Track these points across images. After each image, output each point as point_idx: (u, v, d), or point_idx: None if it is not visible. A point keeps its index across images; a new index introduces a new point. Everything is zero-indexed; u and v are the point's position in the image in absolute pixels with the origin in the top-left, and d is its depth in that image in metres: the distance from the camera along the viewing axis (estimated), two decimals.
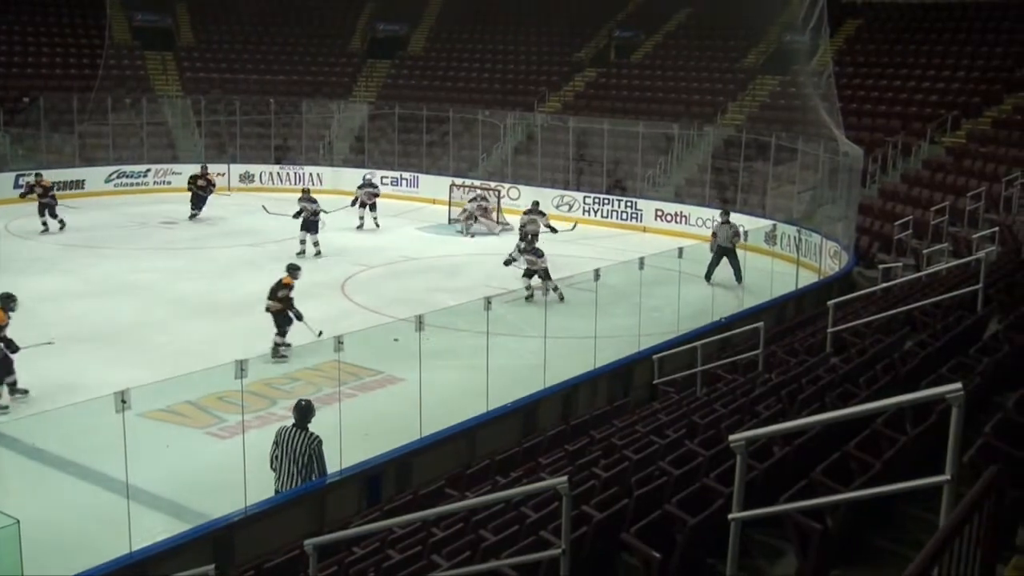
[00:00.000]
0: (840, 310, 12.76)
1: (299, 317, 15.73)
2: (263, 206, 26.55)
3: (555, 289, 19.04)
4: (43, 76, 35.07)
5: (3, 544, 7.25)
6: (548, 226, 23.70)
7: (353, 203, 26.93)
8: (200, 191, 27.80)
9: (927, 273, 16.11)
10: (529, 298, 19.53)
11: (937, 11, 32.39)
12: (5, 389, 13.31)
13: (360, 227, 26.65)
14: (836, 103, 25.78)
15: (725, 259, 21.01)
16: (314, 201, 23.58)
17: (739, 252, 21.02)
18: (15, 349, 13.34)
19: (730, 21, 35.25)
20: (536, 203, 24.78)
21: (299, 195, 24.15)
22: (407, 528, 7.84)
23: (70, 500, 10.79)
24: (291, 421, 9.87)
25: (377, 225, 26.81)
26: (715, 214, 26.31)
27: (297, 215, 23.47)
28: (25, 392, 13.51)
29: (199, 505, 10.21)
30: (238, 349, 12.77)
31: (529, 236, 22.47)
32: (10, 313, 13.52)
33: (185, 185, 28.44)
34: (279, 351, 15.61)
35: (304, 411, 9.81)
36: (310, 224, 23.30)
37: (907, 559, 4.39)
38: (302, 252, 22.83)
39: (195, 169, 28.95)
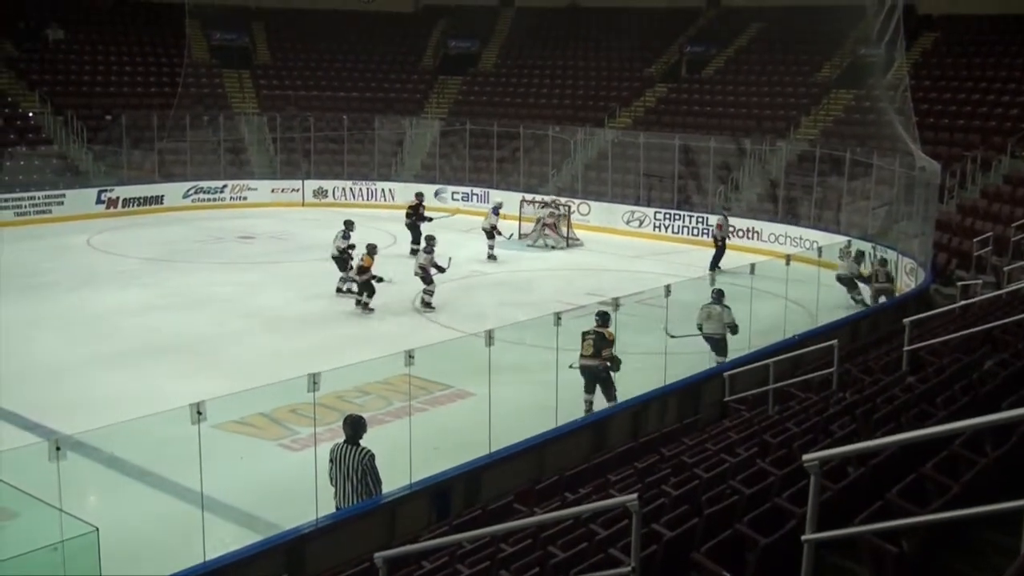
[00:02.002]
0: (917, 328, 12.51)
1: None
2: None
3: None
4: (125, 95, 36.02)
5: (82, 551, 7.41)
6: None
7: (492, 234, 25.45)
8: (419, 220, 25.83)
9: (1008, 291, 15.72)
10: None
11: (1016, 23, 31.67)
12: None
13: (492, 257, 25.27)
14: (912, 117, 25.34)
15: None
16: (348, 237, 21.68)
17: (813, 268, 20.78)
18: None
19: (803, 35, 34.87)
20: None
21: (342, 232, 21.74)
22: (476, 543, 7.86)
23: (146, 509, 10.99)
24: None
25: (493, 257, 25.40)
26: (788, 230, 26.24)
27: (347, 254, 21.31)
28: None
29: (271, 516, 10.33)
30: (311, 362, 12.94)
31: None
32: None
33: (263, 201, 28.33)
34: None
35: (355, 426, 9.68)
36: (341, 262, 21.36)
37: None
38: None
39: (268, 184, 28.68)
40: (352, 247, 21.25)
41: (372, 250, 20.09)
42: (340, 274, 21.23)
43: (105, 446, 11.16)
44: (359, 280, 19.91)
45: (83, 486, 10.58)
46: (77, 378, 15.29)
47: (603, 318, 13.67)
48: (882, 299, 19.89)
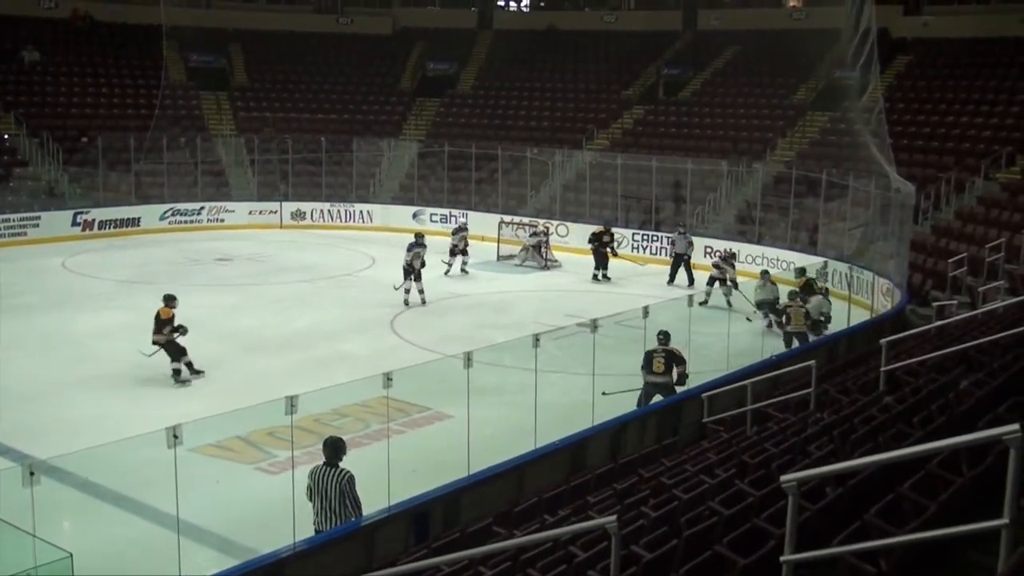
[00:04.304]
0: (894, 348, 12.56)
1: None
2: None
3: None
4: (101, 116, 35.86)
5: None
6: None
7: (452, 252, 25.75)
8: (602, 248, 26.29)
9: (983, 311, 15.84)
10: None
11: (989, 46, 32.08)
12: (184, 367, 16.47)
13: (447, 273, 25.41)
14: (887, 139, 25.56)
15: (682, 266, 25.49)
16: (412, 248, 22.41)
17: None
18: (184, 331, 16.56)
19: (779, 58, 35.17)
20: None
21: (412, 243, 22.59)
22: (455, 566, 7.81)
23: (121, 534, 10.88)
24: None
25: (465, 272, 25.99)
26: (764, 251, 26.40)
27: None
28: (200, 373, 16.64)
29: (248, 540, 10.24)
30: (288, 385, 12.89)
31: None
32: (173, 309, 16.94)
33: (241, 223, 28.40)
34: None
35: (334, 448, 9.62)
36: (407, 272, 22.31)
37: None
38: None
39: (245, 206, 28.79)
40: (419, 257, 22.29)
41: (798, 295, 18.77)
42: (414, 284, 22.28)
43: (79, 470, 11.05)
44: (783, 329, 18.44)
45: (57, 511, 10.47)
46: (51, 401, 15.14)
47: (666, 336, 14.43)
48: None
